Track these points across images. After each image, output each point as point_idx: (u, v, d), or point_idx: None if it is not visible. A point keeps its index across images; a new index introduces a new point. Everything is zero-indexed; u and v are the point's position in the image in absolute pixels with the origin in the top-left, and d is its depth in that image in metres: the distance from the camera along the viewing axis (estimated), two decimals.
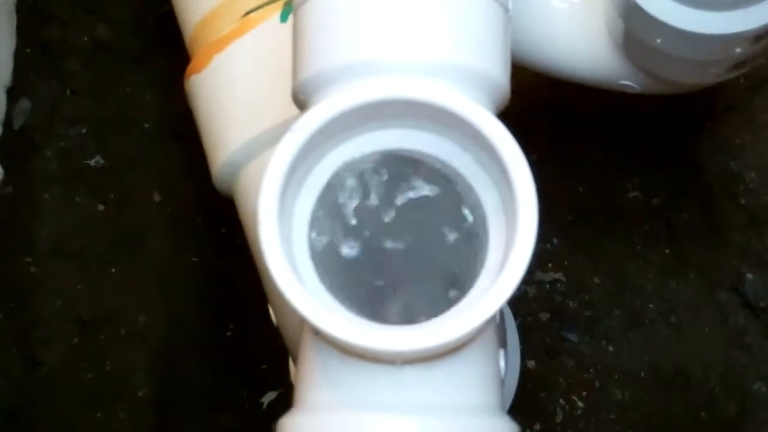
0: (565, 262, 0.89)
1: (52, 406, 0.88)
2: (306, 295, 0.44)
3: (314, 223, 0.48)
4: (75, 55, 0.99)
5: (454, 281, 0.48)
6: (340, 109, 0.46)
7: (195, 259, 0.92)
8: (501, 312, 0.65)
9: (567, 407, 0.85)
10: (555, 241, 0.89)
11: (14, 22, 1.00)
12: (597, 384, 0.85)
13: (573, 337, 0.87)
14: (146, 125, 0.97)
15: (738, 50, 0.63)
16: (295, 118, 0.47)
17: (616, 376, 0.86)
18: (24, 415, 0.88)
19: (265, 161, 0.46)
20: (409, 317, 0.47)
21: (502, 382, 0.58)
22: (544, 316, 0.87)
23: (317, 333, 0.48)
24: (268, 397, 0.87)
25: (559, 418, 0.85)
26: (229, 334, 0.90)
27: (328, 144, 0.48)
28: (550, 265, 0.88)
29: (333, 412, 0.48)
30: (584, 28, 0.69)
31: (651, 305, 0.87)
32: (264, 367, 0.88)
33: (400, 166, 0.49)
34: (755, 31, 0.61)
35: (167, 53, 0.93)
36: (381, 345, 0.44)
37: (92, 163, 0.96)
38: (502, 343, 0.63)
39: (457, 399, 0.49)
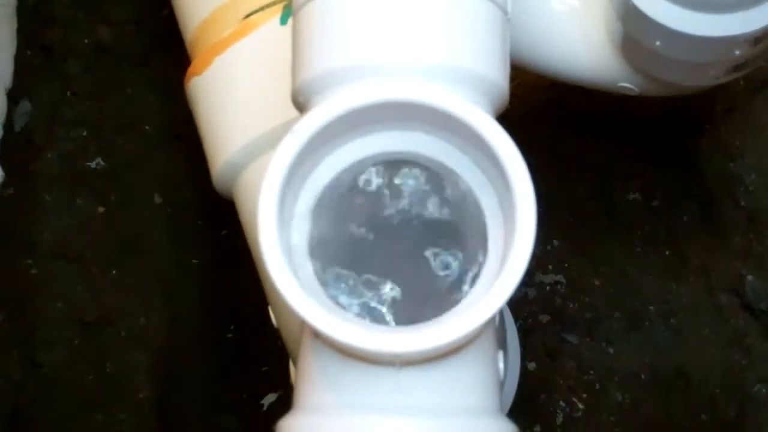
0: (566, 264, 0.89)
1: (53, 407, 0.88)
2: (305, 297, 0.44)
3: (314, 225, 0.49)
4: (76, 57, 0.99)
5: (453, 283, 0.48)
6: (339, 111, 0.46)
7: (195, 261, 0.92)
8: (500, 314, 0.65)
9: (567, 409, 0.85)
10: (555, 242, 0.89)
11: (15, 25, 1.00)
12: (597, 386, 0.85)
13: (573, 338, 0.87)
14: (147, 127, 0.97)
15: (737, 52, 0.63)
16: (294, 121, 0.47)
17: (616, 377, 0.86)
18: (25, 416, 0.88)
19: (265, 163, 0.46)
20: (408, 319, 0.47)
21: (502, 384, 0.58)
22: (545, 318, 0.87)
23: (317, 335, 0.48)
24: (269, 398, 0.87)
25: (560, 419, 0.85)
26: (229, 335, 0.90)
27: (328, 146, 0.48)
28: (550, 266, 0.88)
29: (332, 414, 0.48)
30: (583, 30, 0.69)
31: (651, 307, 0.87)
32: (264, 368, 0.88)
33: (400, 169, 0.49)
34: (754, 33, 0.61)
35: (168, 55, 0.93)
36: (379, 347, 0.44)
37: (93, 165, 0.96)
38: (502, 345, 0.63)
39: (456, 401, 0.49)
